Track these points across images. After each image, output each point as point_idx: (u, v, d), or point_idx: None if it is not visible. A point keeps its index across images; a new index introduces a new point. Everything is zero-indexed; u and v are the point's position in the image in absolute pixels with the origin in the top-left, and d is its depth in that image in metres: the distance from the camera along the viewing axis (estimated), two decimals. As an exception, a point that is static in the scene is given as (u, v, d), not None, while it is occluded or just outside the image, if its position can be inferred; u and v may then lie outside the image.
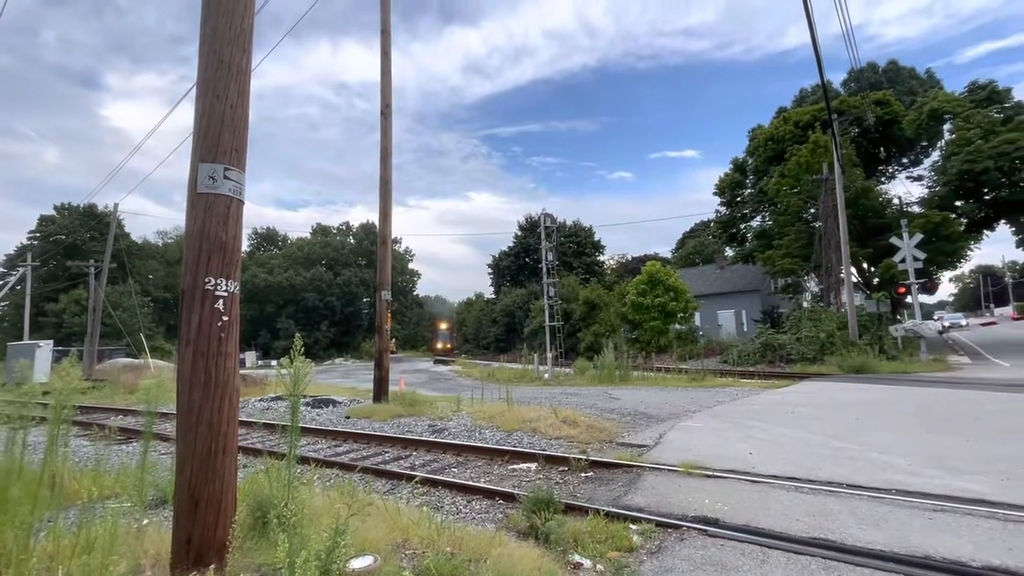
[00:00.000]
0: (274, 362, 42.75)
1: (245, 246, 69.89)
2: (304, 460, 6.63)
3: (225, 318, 3.02)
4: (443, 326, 60.15)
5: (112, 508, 2.93)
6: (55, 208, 54.94)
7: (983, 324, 27.19)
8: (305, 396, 14.27)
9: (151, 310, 51.42)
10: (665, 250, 74.35)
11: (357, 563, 2.52)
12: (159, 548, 3.25)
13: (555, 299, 25.49)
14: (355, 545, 3.00)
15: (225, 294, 3.03)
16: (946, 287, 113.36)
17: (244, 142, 3.29)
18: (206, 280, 2.98)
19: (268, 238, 72.28)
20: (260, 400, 14.52)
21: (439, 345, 56.09)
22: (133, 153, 68.18)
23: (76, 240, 51.76)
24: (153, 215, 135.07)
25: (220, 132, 3.13)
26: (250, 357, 50.73)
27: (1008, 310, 78.75)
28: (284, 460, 3.23)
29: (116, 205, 31.15)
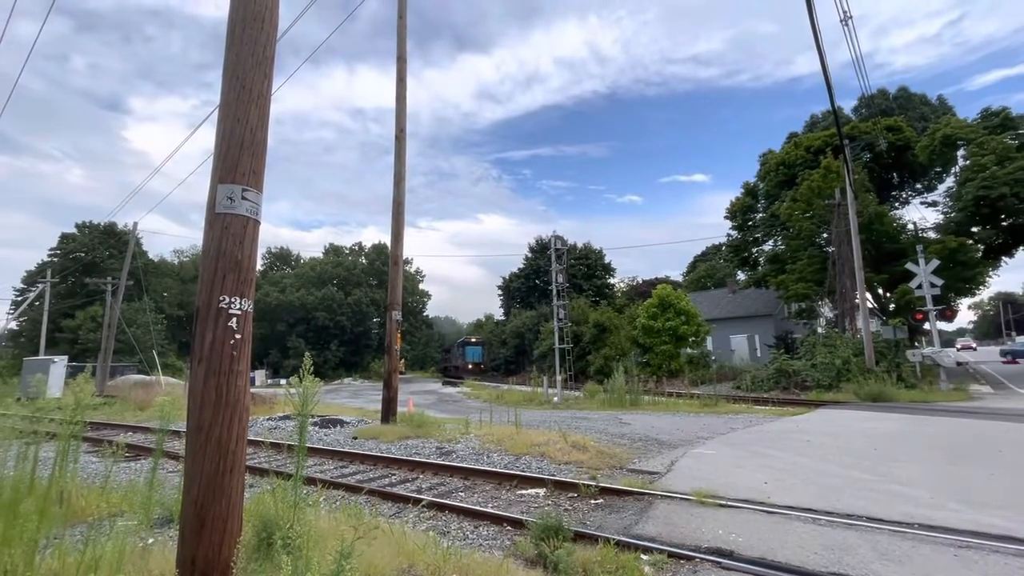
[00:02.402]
0: (284, 381, 42.81)
1: (259, 265, 70.76)
2: (310, 481, 6.58)
3: (238, 336, 3.04)
4: (472, 340, 51.06)
5: (120, 527, 2.92)
6: (76, 226, 56.27)
7: (1005, 362, 25.87)
8: (313, 416, 14.21)
9: (164, 327, 52.01)
10: (676, 273, 74.15)
11: (362, 589, 2.47)
12: (163, 568, 3.22)
13: (565, 321, 25.37)
14: (360, 569, 2.94)
15: (239, 312, 3.06)
16: (965, 314, 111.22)
17: (262, 165, 3.37)
18: (221, 298, 3.01)
19: (281, 257, 73.24)
20: (268, 419, 14.50)
21: (469, 365, 47.15)
22: (154, 174, 70.13)
23: (95, 258, 52.85)
24: (171, 234, 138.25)
25: (239, 155, 3.21)
26: (260, 375, 50.89)
27: (1030, 338, 76.69)
28: (290, 481, 3.21)
29: (136, 224, 31.89)
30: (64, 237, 55.45)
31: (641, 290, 51.97)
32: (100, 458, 8.52)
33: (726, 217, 37.10)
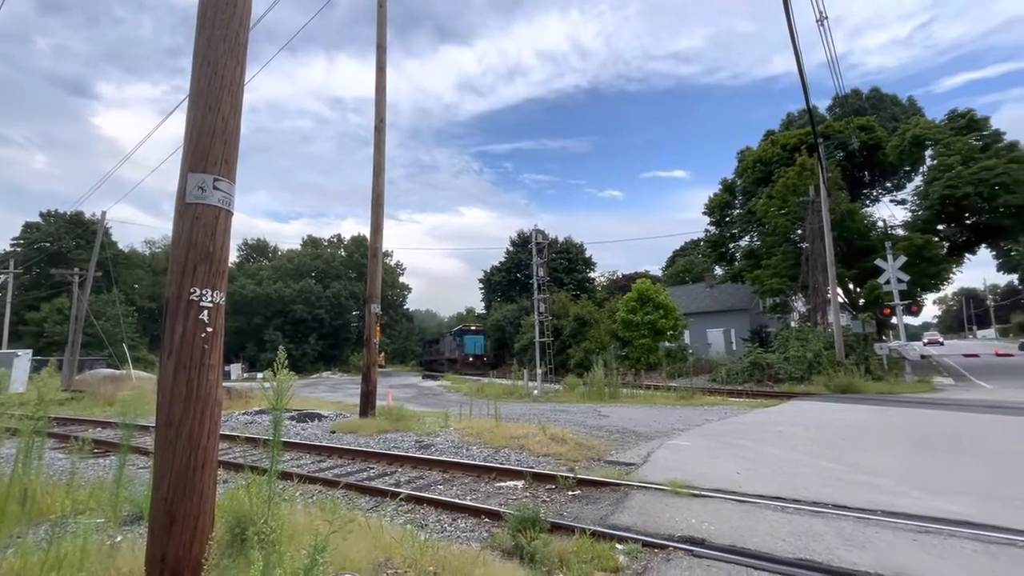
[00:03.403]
0: (260, 375, 42.07)
1: (234, 257, 69.27)
2: (287, 476, 6.50)
3: (209, 329, 2.98)
4: (472, 327, 44.56)
5: (84, 524, 2.84)
6: (41, 215, 54.18)
7: (965, 355, 27.32)
8: (290, 410, 14.05)
9: (135, 320, 50.54)
10: (655, 268, 75.03)
11: (337, 583, 2.46)
12: (132, 566, 3.15)
13: (546, 315, 25.51)
14: (336, 563, 2.93)
15: (210, 305, 3.00)
16: (930, 309, 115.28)
17: (235, 154, 3.29)
18: (191, 290, 2.94)
19: (258, 249, 71.70)
20: (244, 414, 14.27)
21: (470, 358, 40.70)
22: (123, 161, 67.57)
23: (61, 248, 50.99)
24: (141, 224, 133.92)
25: (211, 143, 3.13)
26: (236, 369, 49.91)
27: (990, 332, 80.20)
28: (265, 476, 3.17)
29: (104, 213, 30.82)
30: (28, 226, 53.36)
31: (621, 284, 52.53)
32: (67, 455, 8.27)
33: (704, 213, 37.64)
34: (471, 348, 41.80)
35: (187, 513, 2.72)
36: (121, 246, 59.37)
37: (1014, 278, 65.24)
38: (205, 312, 2.97)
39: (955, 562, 3.80)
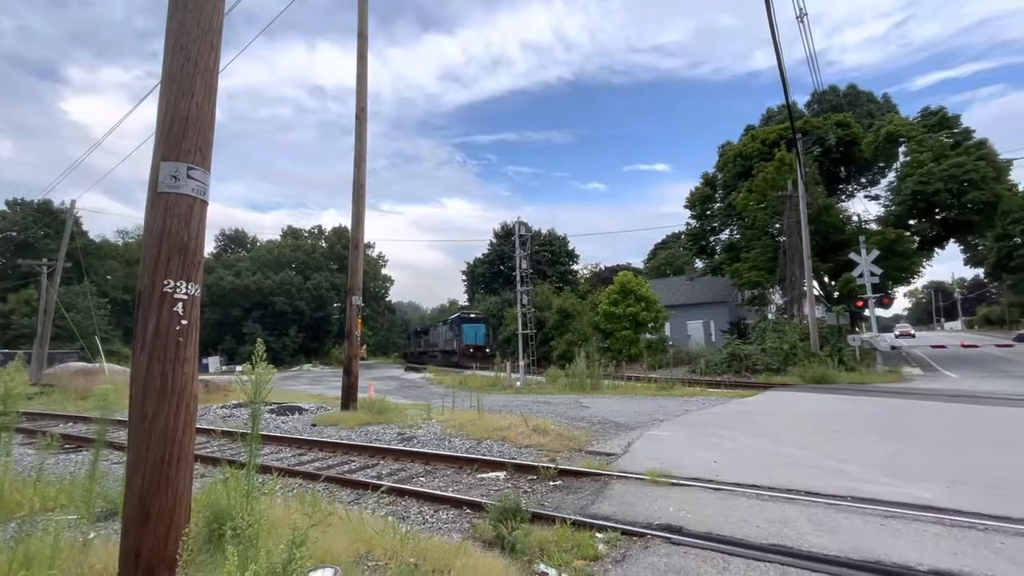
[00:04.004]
0: (238, 367, 41.32)
1: (211, 247, 67.77)
2: (266, 469, 6.45)
3: (184, 322, 2.92)
4: (472, 315, 39.73)
5: (56, 521, 2.78)
6: (6, 203, 52.27)
7: (933, 347, 28.53)
8: (270, 403, 13.87)
9: (108, 312, 49.19)
10: (637, 261, 75.68)
11: (316, 575, 2.45)
12: (106, 563, 3.10)
13: (529, 307, 25.54)
14: (315, 557, 2.92)
15: (185, 297, 2.93)
16: (900, 301, 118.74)
17: (210, 142, 3.21)
18: (165, 282, 2.88)
19: (236, 240, 70.24)
20: (222, 407, 14.04)
21: (471, 349, 36.45)
22: (94, 148, 65.30)
23: (28, 237, 49.23)
24: (114, 213, 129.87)
25: (184, 130, 3.04)
26: (214, 362, 49.02)
27: (957, 324, 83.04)
28: (244, 469, 3.13)
29: (73, 202, 29.82)
30: (-8, 214, 51.36)
31: (603, 277, 52.92)
32: (37, 450, 8.05)
33: (686, 206, 38.06)
34: (472, 338, 37.34)
35: (162, 508, 2.67)
36: (92, 236, 57.68)
37: (980, 272, 67.64)
38: (180, 304, 2.91)
39: (918, 544, 3.95)
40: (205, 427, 9.78)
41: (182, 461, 2.78)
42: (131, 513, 2.67)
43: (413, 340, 55.84)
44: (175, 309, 2.88)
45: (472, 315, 39.96)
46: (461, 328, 37.96)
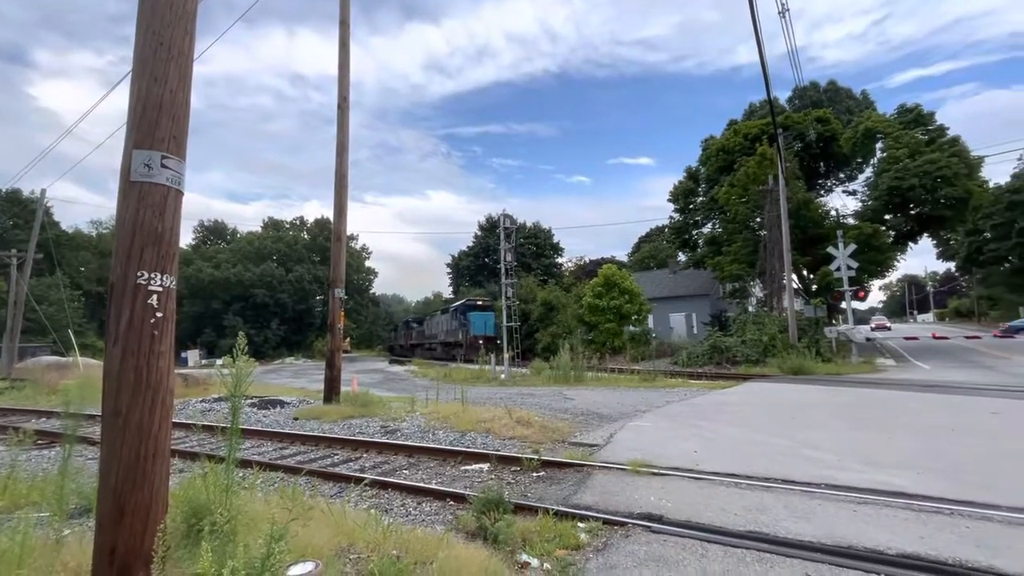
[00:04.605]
0: (219, 361, 40.58)
1: (190, 239, 66.35)
2: (247, 464, 6.37)
3: (159, 314, 2.85)
4: (479, 302, 35.96)
5: (26, 518, 2.71)
6: (-29, 192, 50.27)
7: (906, 339, 29.56)
8: (251, 397, 13.68)
9: (82, 305, 47.91)
10: (621, 254, 76.14)
11: (296, 570, 2.44)
12: (80, 561, 3.04)
13: (513, 300, 25.58)
14: (296, 551, 2.90)
15: (160, 289, 2.87)
16: (876, 294, 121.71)
17: (184, 130, 3.12)
18: (139, 274, 2.80)
19: (216, 231, 68.80)
20: (202, 401, 13.82)
21: (480, 341, 31.66)
22: (64, 136, 63.23)
23: (-4, 227, 47.61)
24: (87, 203, 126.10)
25: (158, 118, 2.96)
26: (193, 356, 48.18)
27: (929, 316, 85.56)
28: (223, 464, 3.09)
29: (43, 191, 28.86)
30: (-44, 203, 49.45)
31: (588, 269, 53.17)
32: (7, 447, 7.83)
33: (669, 200, 38.34)
34: (480, 328, 33.31)
35: (138, 504, 2.63)
36: (64, 226, 56.00)
37: (952, 265, 69.69)
38: (154, 296, 2.84)
39: (889, 529, 4.09)
40: (184, 422, 9.61)
41: (158, 456, 2.73)
42: (106, 509, 2.61)
43: (402, 332, 52.00)
44: (149, 301, 2.82)
45: (479, 303, 36.23)
46: (468, 317, 34.13)
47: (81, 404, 4.28)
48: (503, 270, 24.02)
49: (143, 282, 2.81)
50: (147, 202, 2.88)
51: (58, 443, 8.65)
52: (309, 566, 2.48)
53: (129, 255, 2.81)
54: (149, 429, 2.71)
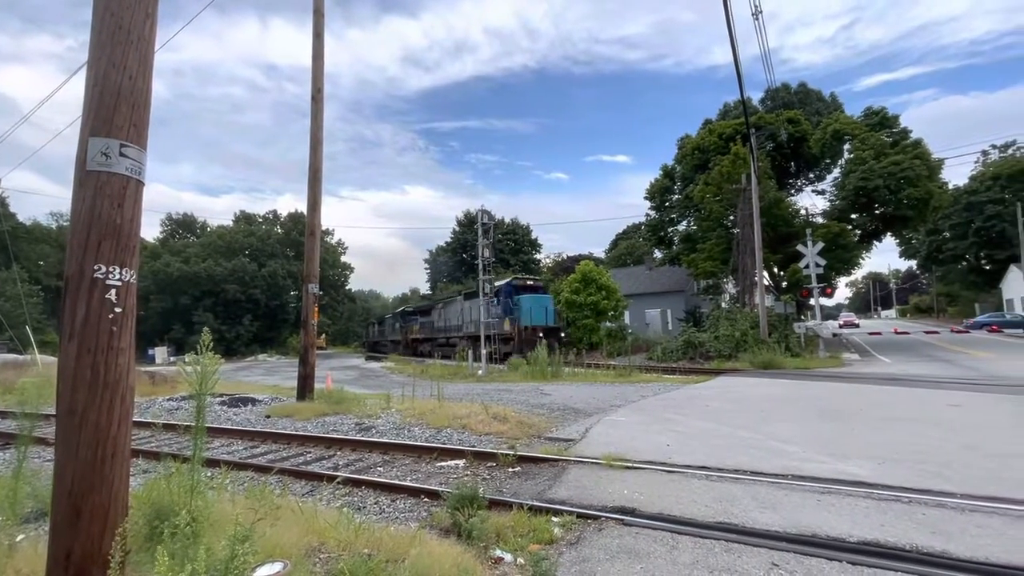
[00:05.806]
0: (187, 357, 39.41)
1: (157, 232, 64.26)
2: (215, 463, 6.22)
3: (118, 310, 2.75)
4: (530, 281, 28.92)
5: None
6: (-81, 181, 47.55)
7: (870, 334, 30.79)
8: (221, 394, 13.35)
9: (40, 300, 45.94)
10: (599, 250, 76.70)
11: (263, 571, 2.39)
12: (35, 566, 2.92)
13: (491, 296, 25.50)
14: (264, 551, 2.84)
15: (119, 283, 2.76)
16: (842, 291, 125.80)
17: (145, 118, 3.00)
18: (96, 267, 2.69)
19: (185, 224, 66.69)
20: (169, 399, 13.43)
21: (540, 332, 23.76)
22: (21, 123, 60.39)
23: (-54, 218, 45.14)
24: (46, 194, 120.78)
25: (116, 104, 2.83)
26: (161, 353, 46.72)
27: (892, 312, 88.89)
28: (188, 463, 3.00)
29: (-3, 180, 27.47)
30: (-99, 193, 46.74)
31: (566, 266, 53.45)
32: (-43, 448, 7.46)
33: (646, 197, 38.74)
34: (536, 316, 24.72)
35: (96, 506, 2.53)
36: (22, 218, 53.63)
37: (913, 263, 72.49)
38: (113, 291, 2.73)
39: (851, 518, 4.23)
40: (149, 420, 9.32)
41: (117, 457, 2.64)
42: (61, 512, 2.51)
43: (398, 324, 42.60)
44: (108, 296, 2.71)
45: (530, 281, 28.00)
46: (517, 301, 25.09)
47: (38, 403, 4.10)
48: (481, 266, 23.91)
49: (100, 276, 2.70)
50: (105, 192, 2.77)
51: (13, 444, 8.28)
52: (277, 567, 2.43)
53: (86, 248, 2.70)
54: (107, 429, 2.61)
